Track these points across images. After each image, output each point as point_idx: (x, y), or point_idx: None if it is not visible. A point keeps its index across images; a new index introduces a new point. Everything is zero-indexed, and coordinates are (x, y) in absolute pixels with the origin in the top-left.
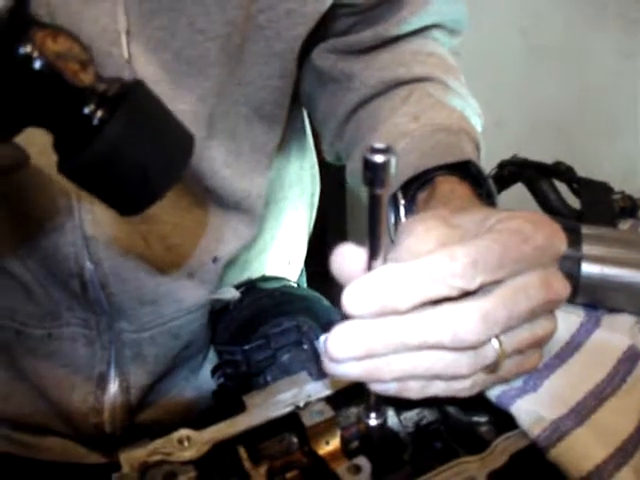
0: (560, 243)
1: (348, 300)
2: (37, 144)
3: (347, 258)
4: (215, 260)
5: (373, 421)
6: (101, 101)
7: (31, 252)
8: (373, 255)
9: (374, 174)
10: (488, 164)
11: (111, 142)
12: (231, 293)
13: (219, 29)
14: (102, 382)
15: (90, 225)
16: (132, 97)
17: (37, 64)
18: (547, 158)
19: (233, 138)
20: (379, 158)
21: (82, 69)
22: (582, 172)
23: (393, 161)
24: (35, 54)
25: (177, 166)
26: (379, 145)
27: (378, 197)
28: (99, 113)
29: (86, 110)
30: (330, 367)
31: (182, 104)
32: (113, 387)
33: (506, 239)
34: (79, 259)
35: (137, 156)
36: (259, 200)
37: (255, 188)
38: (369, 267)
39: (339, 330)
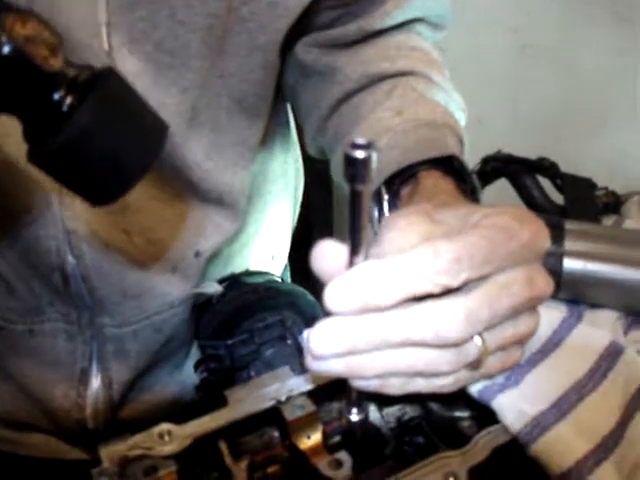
0: (544, 240)
1: (330, 297)
2: (14, 134)
3: (327, 254)
4: (197, 254)
5: (355, 416)
6: (71, 87)
7: (12, 245)
8: (354, 251)
9: (355, 170)
10: (472, 160)
11: (80, 129)
12: (214, 288)
13: (201, 21)
14: (84, 378)
15: (71, 218)
16: (103, 84)
17: (6, 49)
18: (532, 155)
19: (215, 131)
20: (360, 154)
21: (52, 54)
22: (567, 169)
23: (374, 157)
24: (4, 38)
25: (149, 155)
26: (360, 141)
27: (359, 193)
28: (69, 99)
29: (55, 96)
30: (312, 364)
31: (164, 96)
32: (95, 383)
33: (492, 235)
34: (60, 252)
35: (107, 144)
36: (242, 194)
37: (237, 182)
38: (351, 263)
39: (321, 327)
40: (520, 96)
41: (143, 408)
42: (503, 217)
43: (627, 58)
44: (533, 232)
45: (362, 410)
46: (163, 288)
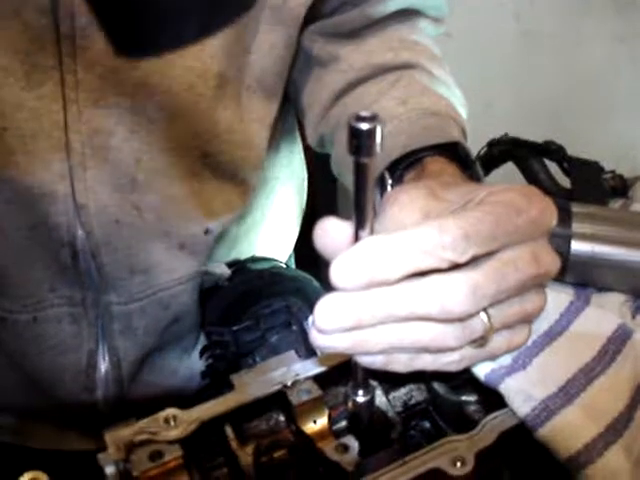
0: (551, 217)
1: (336, 273)
2: (28, 109)
3: (330, 231)
4: (207, 232)
5: (361, 398)
6: None
7: (21, 222)
8: (360, 225)
9: (360, 142)
10: (479, 144)
11: None
12: (221, 268)
13: None
14: (92, 360)
15: (82, 193)
16: None
17: None
18: (538, 139)
19: (238, 105)
20: (364, 125)
21: None
22: (574, 153)
23: (379, 129)
24: None
25: (222, 13)
26: (365, 113)
27: (364, 166)
28: None
29: None
30: (317, 339)
31: (193, 60)
32: (103, 364)
33: (499, 211)
34: (70, 228)
35: None
36: (254, 171)
37: (252, 158)
38: (356, 238)
39: (326, 301)
40: (524, 82)
41: (152, 392)
42: (510, 193)
43: (630, 43)
44: (540, 209)
45: (368, 392)
46: (171, 264)
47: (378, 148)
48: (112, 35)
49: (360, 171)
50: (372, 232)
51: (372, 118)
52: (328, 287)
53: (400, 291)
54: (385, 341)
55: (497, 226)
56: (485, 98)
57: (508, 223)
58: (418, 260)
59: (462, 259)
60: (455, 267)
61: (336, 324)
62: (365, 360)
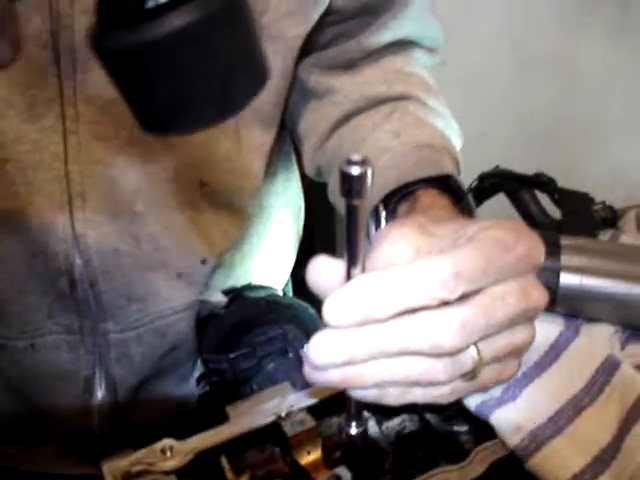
0: (540, 254)
1: (328, 311)
2: (28, 140)
3: (322, 270)
4: (204, 262)
5: (354, 430)
6: None
7: (20, 250)
8: (352, 264)
9: (351, 186)
10: (474, 172)
11: (176, 33)
12: (217, 297)
13: None
14: (88, 386)
15: (81, 223)
16: None
17: None
18: (533, 166)
19: (236, 135)
20: (355, 170)
21: None
22: (568, 181)
23: (369, 173)
24: None
25: (234, 99)
26: (355, 157)
27: (355, 208)
28: None
29: None
30: (311, 374)
31: None
32: (100, 390)
33: (488, 249)
34: (69, 256)
35: (196, 61)
36: (251, 200)
37: (249, 187)
38: (348, 276)
39: (319, 338)
40: (520, 109)
41: (150, 418)
42: (498, 230)
43: (624, 71)
44: (528, 245)
45: (361, 424)
46: (168, 293)
47: (369, 191)
48: (134, 114)
49: (351, 212)
50: (364, 270)
51: (362, 162)
52: (322, 314)
53: (391, 328)
54: (377, 376)
55: (486, 263)
56: (481, 127)
57: (497, 260)
58: (409, 298)
59: (452, 297)
60: (445, 303)
61: (329, 360)
62: (358, 394)
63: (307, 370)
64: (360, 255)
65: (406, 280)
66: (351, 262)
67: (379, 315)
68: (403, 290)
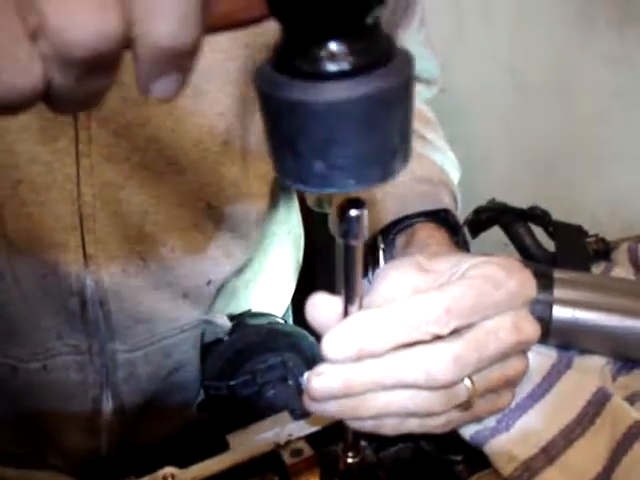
0: (531, 289)
1: (327, 347)
2: (42, 162)
3: (320, 307)
4: (209, 283)
5: (351, 459)
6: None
7: (31, 271)
8: (349, 301)
9: (348, 227)
10: (473, 199)
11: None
12: (223, 319)
13: (238, 50)
14: (96, 406)
15: (92, 244)
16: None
17: None
18: (531, 193)
19: (243, 161)
20: (353, 212)
21: None
22: (564, 211)
23: (365, 214)
24: None
25: (394, 167)
26: (353, 199)
27: (352, 248)
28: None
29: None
30: (310, 405)
31: (201, 117)
32: (107, 410)
33: (479, 285)
34: (80, 277)
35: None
36: (255, 225)
37: (254, 213)
38: (345, 312)
39: (318, 372)
40: (519, 137)
41: (154, 439)
42: (489, 267)
43: (623, 99)
44: (520, 281)
45: (358, 453)
46: (174, 313)
47: (365, 232)
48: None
49: (349, 252)
50: (361, 307)
51: (360, 205)
52: (320, 348)
53: (387, 362)
54: (374, 408)
55: (478, 300)
56: (479, 153)
57: (488, 297)
58: (404, 334)
59: (444, 332)
60: (439, 338)
61: (327, 392)
62: (356, 424)
63: (306, 401)
64: (357, 292)
65: (400, 316)
66: (348, 299)
67: (375, 350)
68: (398, 326)
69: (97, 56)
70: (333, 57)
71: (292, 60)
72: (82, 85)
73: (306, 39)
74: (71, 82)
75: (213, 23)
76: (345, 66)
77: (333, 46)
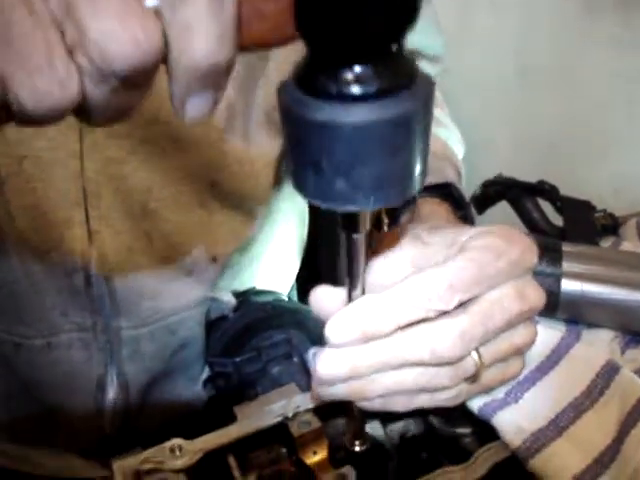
0: (532, 256)
1: (331, 331)
2: (46, 138)
3: (325, 299)
4: (214, 260)
5: (357, 448)
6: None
7: (36, 247)
8: (352, 288)
9: (350, 221)
10: (478, 180)
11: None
12: (228, 296)
13: None
14: (101, 384)
15: (96, 220)
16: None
17: None
18: (535, 175)
19: (246, 138)
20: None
21: None
22: (570, 189)
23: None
24: None
25: (412, 187)
26: None
27: (355, 240)
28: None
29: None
30: (319, 389)
31: None
32: (112, 387)
33: (480, 257)
34: (85, 253)
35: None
36: (260, 203)
37: (259, 190)
38: (349, 298)
39: (325, 356)
40: (523, 117)
41: (159, 417)
42: (489, 237)
43: (627, 80)
44: (520, 249)
45: (365, 440)
46: (179, 290)
47: (367, 224)
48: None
49: (351, 244)
50: (364, 293)
51: None
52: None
53: (392, 343)
54: (382, 387)
55: (479, 271)
56: (484, 134)
57: (490, 267)
58: (408, 313)
59: (448, 307)
60: (443, 313)
61: (335, 376)
62: (365, 404)
63: (315, 385)
64: (360, 280)
65: (403, 297)
66: (352, 286)
67: (379, 331)
68: (401, 307)
69: (134, 71)
70: (360, 80)
71: (319, 80)
72: (116, 99)
73: (334, 61)
74: (106, 96)
75: (244, 43)
76: (372, 89)
77: (360, 69)
